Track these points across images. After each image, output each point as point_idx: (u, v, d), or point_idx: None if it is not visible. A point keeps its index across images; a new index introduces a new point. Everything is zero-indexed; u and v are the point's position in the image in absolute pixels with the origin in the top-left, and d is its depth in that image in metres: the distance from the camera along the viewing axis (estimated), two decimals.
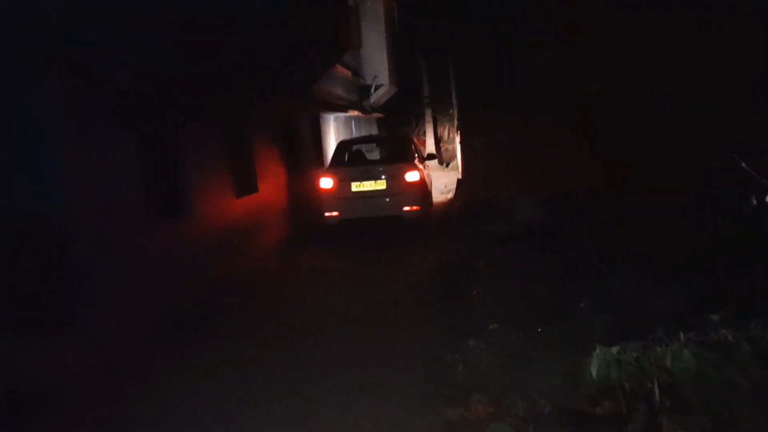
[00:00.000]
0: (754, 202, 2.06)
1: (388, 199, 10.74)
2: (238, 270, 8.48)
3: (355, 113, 17.24)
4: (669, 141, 9.28)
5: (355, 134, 18.49)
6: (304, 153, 12.69)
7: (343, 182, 10.78)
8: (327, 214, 10.86)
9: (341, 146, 12.54)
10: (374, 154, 13.80)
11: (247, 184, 9.45)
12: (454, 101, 23.66)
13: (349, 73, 16.54)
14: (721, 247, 5.22)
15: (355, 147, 12.62)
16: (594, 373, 2.89)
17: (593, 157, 10.15)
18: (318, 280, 8.36)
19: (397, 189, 10.72)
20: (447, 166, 25.10)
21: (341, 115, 15.80)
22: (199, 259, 7.54)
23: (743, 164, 2.18)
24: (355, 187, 10.77)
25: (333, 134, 15.86)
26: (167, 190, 7.11)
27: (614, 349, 2.90)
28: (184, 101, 7.44)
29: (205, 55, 7.11)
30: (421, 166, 11.41)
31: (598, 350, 2.92)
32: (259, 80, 9.00)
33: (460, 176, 13.92)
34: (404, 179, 10.76)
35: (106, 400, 4.89)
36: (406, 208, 10.76)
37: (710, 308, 2.93)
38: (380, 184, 10.76)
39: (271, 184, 10.57)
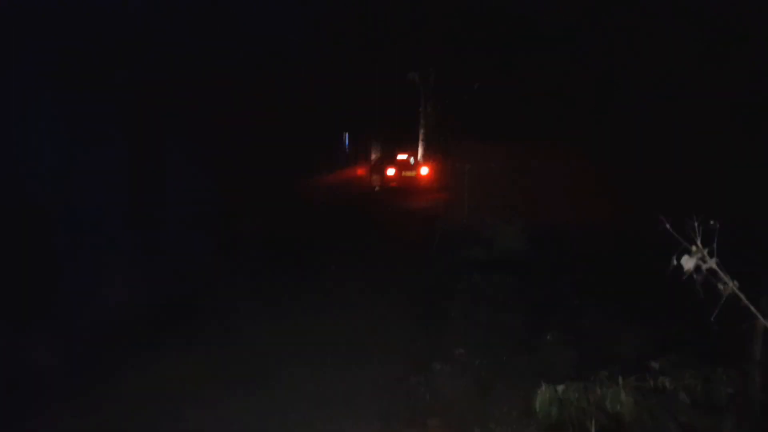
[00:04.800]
0: (675, 263, 2.12)
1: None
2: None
3: None
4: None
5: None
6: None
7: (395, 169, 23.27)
8: (390, 183, 22.73)
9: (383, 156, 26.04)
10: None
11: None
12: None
13: None
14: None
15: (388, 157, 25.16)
16: (537, 409, 2.95)
17: (577, 192, 10.30)
18: None
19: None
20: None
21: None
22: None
23: (667, 225, 2.25)
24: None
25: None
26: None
27: (559, 388, 2.96)
28: None
29: None
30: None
31: (543, 387, 2.98)
32: None
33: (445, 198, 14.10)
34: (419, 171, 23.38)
35: None
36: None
37: (661, 354, 3.02)
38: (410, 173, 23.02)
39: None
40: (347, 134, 22.75)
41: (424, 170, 22.85)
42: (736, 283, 2.15)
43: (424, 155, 29.68)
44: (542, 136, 10.53)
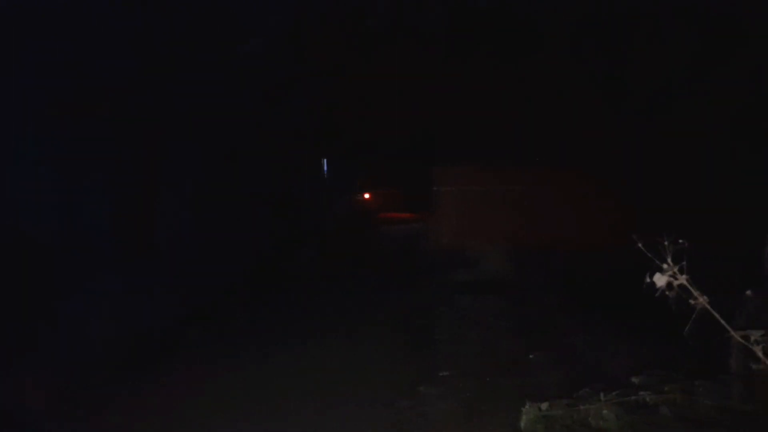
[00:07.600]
0: (648, 280, 2.18)
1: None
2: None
3: None
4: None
5: None
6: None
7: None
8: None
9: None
10: None
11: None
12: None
13: None
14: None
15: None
16: (523, 428, 2.97)
17: (563, 214, 10.42)
18: None
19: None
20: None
21: None
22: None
23: (640, 245, 2.31)
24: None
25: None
26: None
27: (543, 405, 2.98)
28: None
29: None
30: None
31: (527, 406, 3.00)
32: None
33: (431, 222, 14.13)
34: None
35: None
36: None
37: (646, 370, 3.05)
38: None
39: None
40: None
41: (366, 195, 27.62)
42: (705, 298, 2.20)
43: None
44: (526, 157, 10.65)
